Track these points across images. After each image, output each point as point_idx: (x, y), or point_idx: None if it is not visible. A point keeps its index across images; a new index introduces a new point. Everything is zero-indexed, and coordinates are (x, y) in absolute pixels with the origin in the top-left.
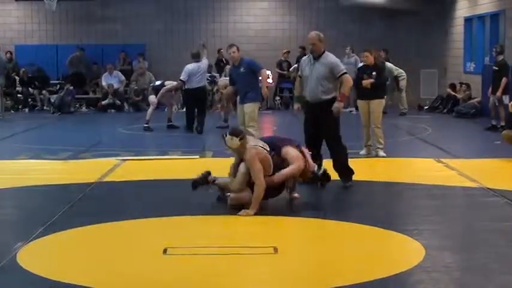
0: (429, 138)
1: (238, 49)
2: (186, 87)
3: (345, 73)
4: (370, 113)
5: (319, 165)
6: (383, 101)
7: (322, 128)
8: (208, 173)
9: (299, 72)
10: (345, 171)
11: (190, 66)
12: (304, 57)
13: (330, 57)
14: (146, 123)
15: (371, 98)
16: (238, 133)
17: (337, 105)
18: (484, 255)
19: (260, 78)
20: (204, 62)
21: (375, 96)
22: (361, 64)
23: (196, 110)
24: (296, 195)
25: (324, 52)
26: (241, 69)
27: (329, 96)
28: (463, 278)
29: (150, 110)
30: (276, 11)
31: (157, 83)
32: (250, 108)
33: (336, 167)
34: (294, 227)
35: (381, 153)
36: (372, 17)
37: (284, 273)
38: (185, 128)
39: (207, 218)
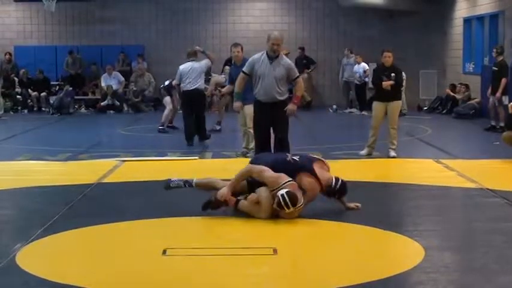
0: (428, 139)
1: (242, 49)
2: (182, 89)
3: (299, 76)
4: (386, 114)
5: None
6: (401, 102)
7: (276, 127)
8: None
9: (245, 69)
10: None
11: (182, 66)
12: (256, 56)
13: (286, 59)
14: (161, 126)
15: (390, 99)
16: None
17: (291, 107)
18: (483, 256)
19: None
20: (203, 63)
21: (393, 98)
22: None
23: (194, 115)
24: (351, 205)
25: (279, 54)
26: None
27: (283, 98)
28: (463, 278)
29: (166, 112)
30: (275, 11)
31: (167, 82)
32: (250, 109)
33: None
34: (294, 228)
35: (392, 153)
36: (371, 17)
37: (283, 274)
38: (185, 139)
39: (206, 219)
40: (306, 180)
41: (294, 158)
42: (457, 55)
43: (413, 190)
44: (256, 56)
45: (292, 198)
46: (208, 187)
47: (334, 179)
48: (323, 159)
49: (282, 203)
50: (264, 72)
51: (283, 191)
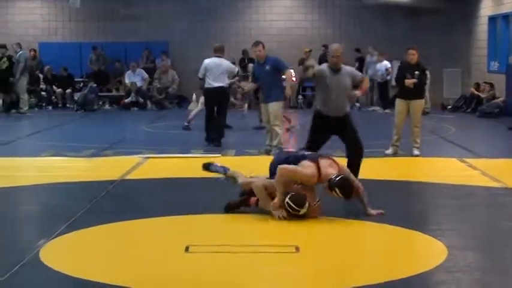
0: (452, 138)
1: (263, 47)
2: (205, 86)
3: (362, 75)
4: (409, 112)
5: None
6: (423, 101)
7: (348, 138)
8: (247, 196)
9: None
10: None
11: (207, 60)
12: (323, 67)
13: (346, 67)
14: (187, 123)
15: (412, 98)
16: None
17: (357, 93)
18: (507, 256)
19: (284, 77)
20: (230, 63)
21: (416, 96)
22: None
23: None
24: (372, 212)
25: (341, 66)
26: (267, 68)
27: (349, 109)
28: (486, 278)
29: (197, 109)
30: (298, 9)
31: None
32: (275, 107)
33: (354, 166)
34: (316, 227)
35: (416, 152)
36: (395, 15)
37: (306, 272)
38: (205, 139)
39: (229, 216)
40: (304, 162)
41: (306, 153)
42: (482, 53)
43: (436, 189)
44: (323, 67)
45: (297, 200)
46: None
47: (336, 175)
48: (335, 160)
49: (290, 210)
50: (332, 86)
51: (287, 198)
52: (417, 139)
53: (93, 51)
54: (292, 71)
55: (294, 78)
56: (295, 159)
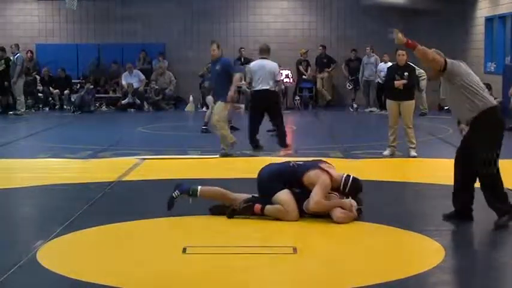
0: (449, 139)
1: (218, 47)
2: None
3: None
4: (400, 113)
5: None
6: (413, 102)
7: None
8: (253, 202)
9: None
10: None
11: (253, 63)
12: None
13: (453, 68)
14: (204, 125)
15: (402, 99)
16: None
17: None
18: (504, 256)
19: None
20: (273, 65)
21: (406, 97)
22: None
23: (270, 120)
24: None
25: (445, 67)
26: (217, 67)
27: (475, 113)
28: (483, 279)
29: (208, 111)
30: (295, 10)
31: None
32: (219, 108)
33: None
34: (313, 228)
35: (413, 153)
36: (392, 16)
37: (303, 273)
38: (250, 144)
39: (226, 217)
40: (312, 173)
41: (298, 163)
42: (479, 54)
43: (434, 190)
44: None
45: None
46: (217, 197)
47: (343, 177)
48: (329, 162)
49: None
50: (447, 92)
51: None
52: (412, 140)
53: (92, 60)
54: (288, 72)
55: (291, 80)
56: (300, 170)
